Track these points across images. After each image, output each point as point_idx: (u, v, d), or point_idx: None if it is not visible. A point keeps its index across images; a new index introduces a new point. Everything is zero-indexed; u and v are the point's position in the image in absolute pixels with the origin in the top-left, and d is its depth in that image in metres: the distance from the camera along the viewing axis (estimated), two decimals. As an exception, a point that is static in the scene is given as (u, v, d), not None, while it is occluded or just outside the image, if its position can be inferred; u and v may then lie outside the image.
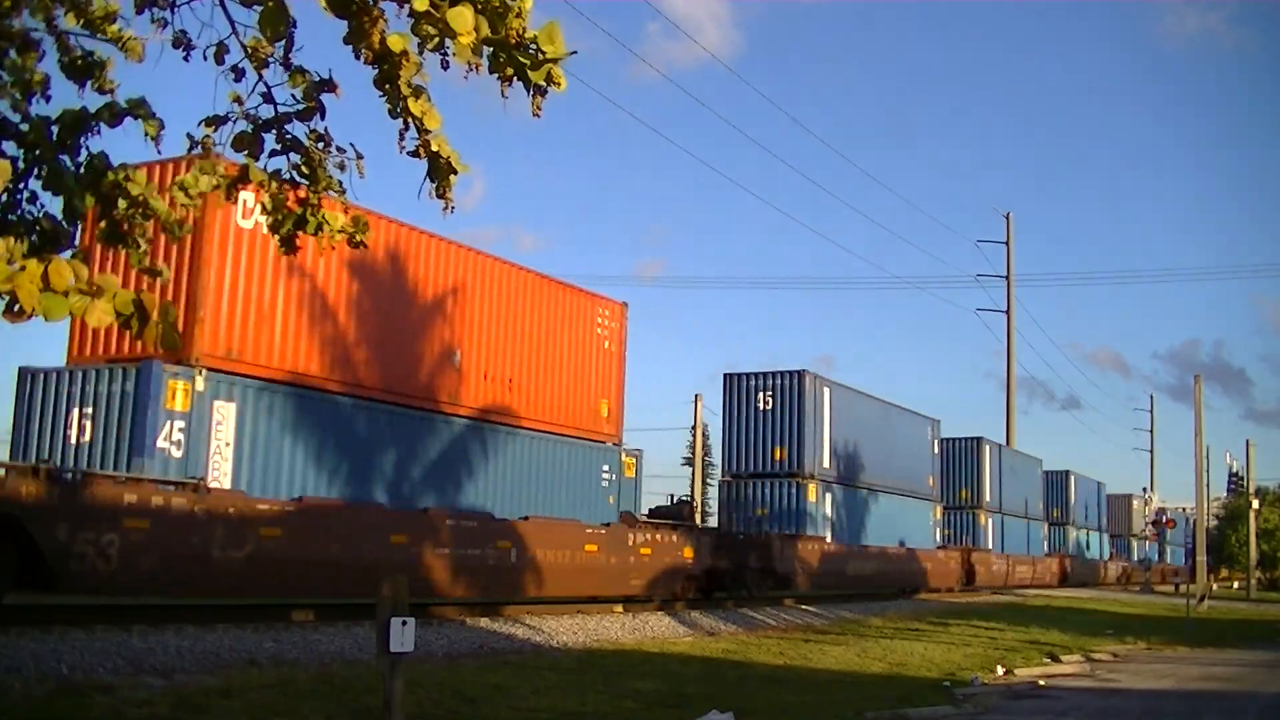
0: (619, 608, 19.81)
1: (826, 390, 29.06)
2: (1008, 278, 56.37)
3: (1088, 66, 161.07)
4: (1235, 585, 63.08)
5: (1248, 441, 65.92)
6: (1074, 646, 19.33)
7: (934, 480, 36.54)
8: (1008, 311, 56.07)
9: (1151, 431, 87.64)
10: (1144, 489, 72.67)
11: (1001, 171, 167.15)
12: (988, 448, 42.55)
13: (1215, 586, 53.68)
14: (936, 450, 36.87)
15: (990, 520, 42.53)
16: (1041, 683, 14.15)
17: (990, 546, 41.92)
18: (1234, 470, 60.42)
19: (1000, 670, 15.36)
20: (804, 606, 24.83)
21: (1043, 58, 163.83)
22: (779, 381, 28.26)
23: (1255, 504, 59.50)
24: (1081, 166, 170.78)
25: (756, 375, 28.61)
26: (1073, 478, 55.96)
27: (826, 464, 28.81)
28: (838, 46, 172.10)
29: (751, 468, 28.17)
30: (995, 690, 13.39)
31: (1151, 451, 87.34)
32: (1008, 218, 56.99)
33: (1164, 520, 43.11)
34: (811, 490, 27.72)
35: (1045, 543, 51.02)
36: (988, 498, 42.28)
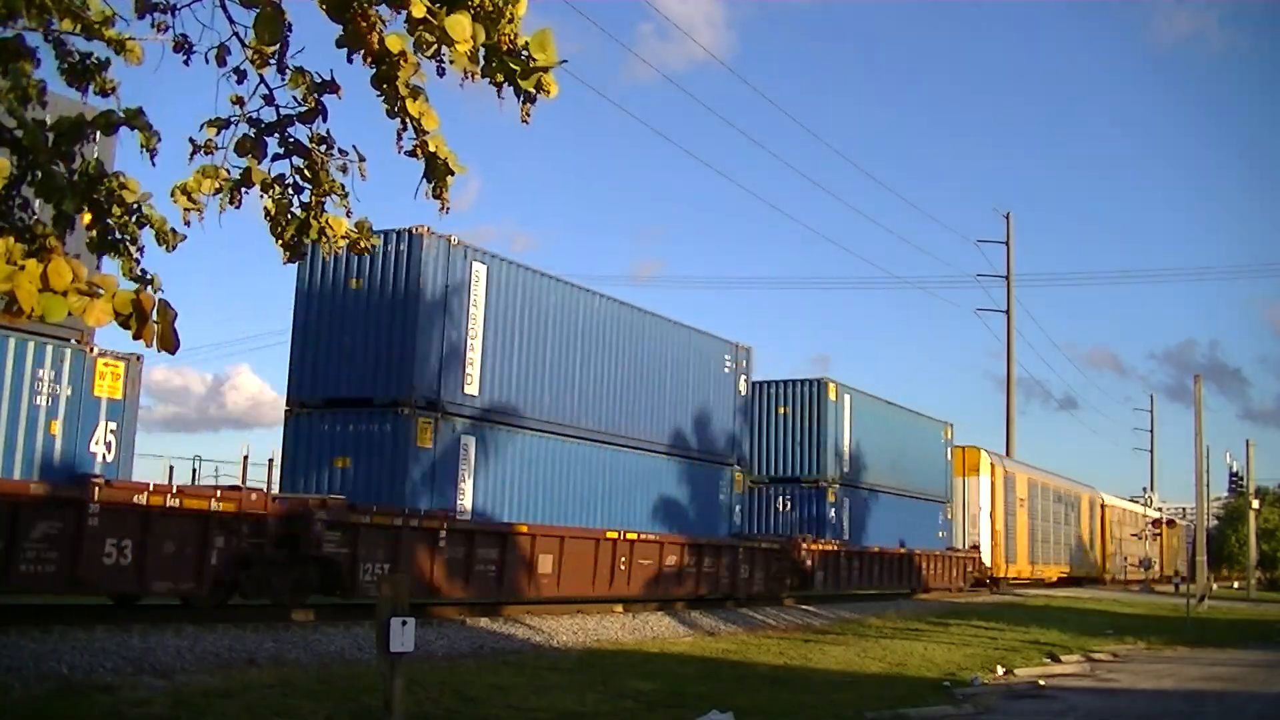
0: (619, 608, 19.79)
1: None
2: (1008, 278, 56.24)
3: (1086, 67, 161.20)
4: (1235, 585, 63.12)
5: (1247, 441, 65.96)
6: (1074, 646, 19.33)
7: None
8: (1008, 311, 55.99)
9: (1151, 432, 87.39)
10: (1144, 489, 72.58)
11: (1001, 171, 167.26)
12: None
13: (1215, 586, 53.68)
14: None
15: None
16: (1041, 683, 14.14)
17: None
18: (1234, 470, 60.40)
19: (1000, 670, 15.36)
20: (804, 606, 24.83)
21: (1041, 57, 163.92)
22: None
23: (1255, 504, 59.55)
24: (1080, 167, 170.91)
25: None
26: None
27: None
28: (835, 47, 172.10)
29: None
30: (995, 690, 13.39)
31: (1151, 452, 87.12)
32: (1008, 218, 56.86)
33: (1165, 521, 43.10)
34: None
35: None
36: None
